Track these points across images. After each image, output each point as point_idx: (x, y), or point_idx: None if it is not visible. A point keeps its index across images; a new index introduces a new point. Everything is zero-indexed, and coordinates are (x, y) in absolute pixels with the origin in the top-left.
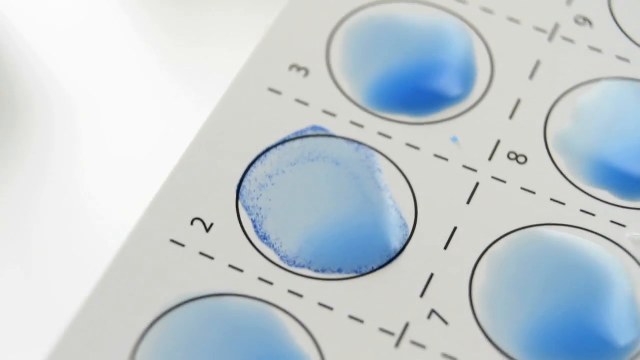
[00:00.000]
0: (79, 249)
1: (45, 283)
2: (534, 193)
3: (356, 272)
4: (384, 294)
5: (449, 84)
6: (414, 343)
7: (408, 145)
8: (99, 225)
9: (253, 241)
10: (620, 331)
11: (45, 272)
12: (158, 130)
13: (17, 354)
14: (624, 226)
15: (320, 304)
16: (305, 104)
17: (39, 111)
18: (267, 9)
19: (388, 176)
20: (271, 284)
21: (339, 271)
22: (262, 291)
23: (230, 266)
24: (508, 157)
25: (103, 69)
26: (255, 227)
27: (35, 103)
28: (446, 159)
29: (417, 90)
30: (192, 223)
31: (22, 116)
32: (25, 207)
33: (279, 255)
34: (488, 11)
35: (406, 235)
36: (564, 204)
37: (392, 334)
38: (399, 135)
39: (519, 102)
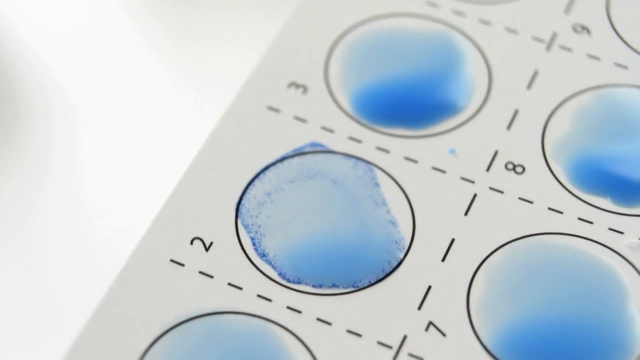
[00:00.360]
0: (79, 249)
1: (45, 283)
2: (532, 202)
3: (353, 286)
4: (382, 307)
5: (446, 97)
6: (411, 355)
7: (406, 158)
8: (99, 225)
9: (252, 258)
10: (626, 337)
11: (45, 272)
12: (158, 130)
13: (17, 354)
14: (621, 233)
15: (319, 319)
16: (304, 120)
17: (39, 111)
18: (268, 9)
19: (386, 190)
20: (270, 300)
21: (334, 286)
22: (261, 308)
23: (230, 284)
24: (506, 167)
25: (103, 69)
26: (254, 244)
27: (35, 103)
28: (444, 171)
29: (415, 103)
30: (191, 242)
31: (22, 116)
32: (25, 207)
33: (277, 271)
34: (486, 22)
35: (403, 249)
36: (561, 212)
37: (389, 347)
38: (396, 148)
39: (516, 112)
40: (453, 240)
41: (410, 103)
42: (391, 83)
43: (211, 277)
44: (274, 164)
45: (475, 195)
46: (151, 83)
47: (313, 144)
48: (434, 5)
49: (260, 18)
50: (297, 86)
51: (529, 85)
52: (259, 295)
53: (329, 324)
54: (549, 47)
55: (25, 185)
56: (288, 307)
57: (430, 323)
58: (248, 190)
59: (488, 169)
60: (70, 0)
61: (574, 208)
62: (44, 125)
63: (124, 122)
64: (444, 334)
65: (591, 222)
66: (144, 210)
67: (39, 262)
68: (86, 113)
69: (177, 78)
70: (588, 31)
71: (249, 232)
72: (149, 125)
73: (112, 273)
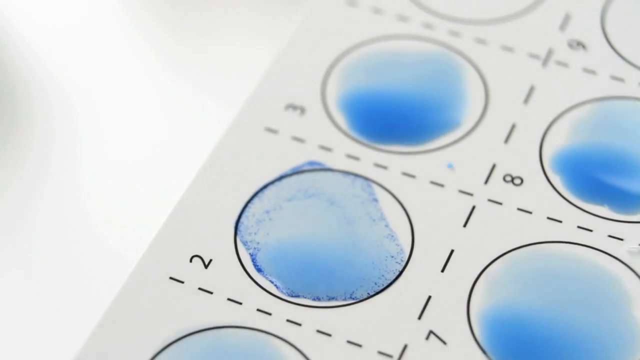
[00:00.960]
0: (79, 249)
1: (44, 283)
2: (530, 213)
3: (352, 298)
4: (382, 317)
5: (444, 114)
6: None
7: (404, 174)
8: (98, 225)
9: (251, 274)
10: (630, 341)
11: (44, 273)
12: (158, 129)
13: (16, 354)
14: (621, 240)
15: (319, 331)
16: (302, 140)
17: (39, 111)
18: (268, 9)
19: (384, 205)
20: (269, 314)
21: (332, 299)
22: (261, 322)
23: (229, 299)
24: (504, 179)
25: (103, 69)
26: (253, 260)
27: (35, 103)
28: (442, 185)
29: (412, 121)
30: (191, 260)
31: (22, 116)
32: (25, 207)
33: (276, 286)
34: (482, 42)
35: (401, 261)
36: (560, 221)
37: (390, 356)
38: (394, 165)
39: (514, 126)
40: (452, 251)
41: (407, 121)
42: (388, 101)
43: (211, 293)
44: (272, 182)
45: (474, 207)
46: (151, 83)
47: (311, 163)
48: (430, 26)
49: (260, 18)
50: (295, 107)
51: (526, 100)
52: (258, 310)
53: (329, 335)
54: (545, 63)
55: (25, 185)
56: (288, 320)
57: (431, 332)
58: (247, 209)
59: (486, 182)
60: (70, 0)
61: (573, 217)
62: (44, 125)
63: (124, 122)
64: (444, 342)
65: (590, 230)
66: (143, 210)
67: (39, 263)
68: (86, 113)
69: (177, 78)
70: (584, 46)
71: (247, 248)
72: (150, 125)
73: (112, 272)
